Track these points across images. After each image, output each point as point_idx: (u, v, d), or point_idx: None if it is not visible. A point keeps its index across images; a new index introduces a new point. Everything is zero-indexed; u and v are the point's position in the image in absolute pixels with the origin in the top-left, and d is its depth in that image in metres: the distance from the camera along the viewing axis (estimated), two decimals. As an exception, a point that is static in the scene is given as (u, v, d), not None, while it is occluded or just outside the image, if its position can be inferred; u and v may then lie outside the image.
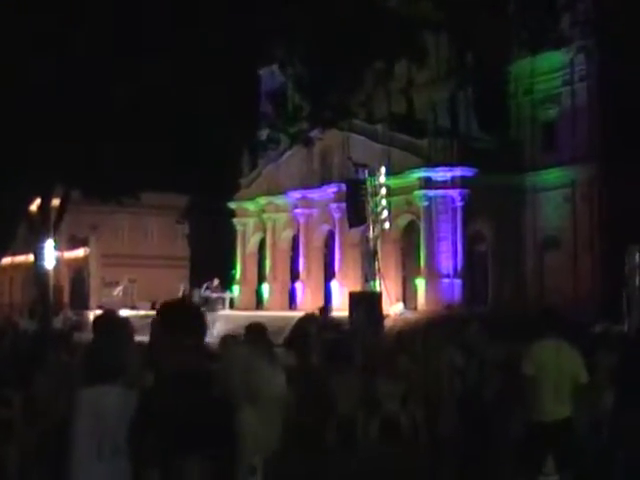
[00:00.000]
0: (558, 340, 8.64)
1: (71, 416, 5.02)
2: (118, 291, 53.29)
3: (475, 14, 24.01)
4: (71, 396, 5.07)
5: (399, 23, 22.55)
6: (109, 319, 6.79)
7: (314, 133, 29.82)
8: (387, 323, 32.15)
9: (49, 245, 33.74)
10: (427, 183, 41.45)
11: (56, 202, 33.56)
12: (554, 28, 27.56)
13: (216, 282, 45.72)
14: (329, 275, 47.51)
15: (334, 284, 45.93)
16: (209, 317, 42.02)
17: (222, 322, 40.95)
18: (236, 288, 52.36)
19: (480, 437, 10.19)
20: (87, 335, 32.27)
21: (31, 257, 34.91)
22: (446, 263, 41.15)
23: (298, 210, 48.60)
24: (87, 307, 50.63)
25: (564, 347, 8.65)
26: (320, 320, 15.79)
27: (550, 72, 42.02)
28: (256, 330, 8.18)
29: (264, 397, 6.48)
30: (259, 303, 51.70)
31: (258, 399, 5.95)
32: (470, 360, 10.62)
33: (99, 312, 7.44)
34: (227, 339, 7.90)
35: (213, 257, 53.94)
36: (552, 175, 41.97)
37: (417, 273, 42.08)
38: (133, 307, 48.66)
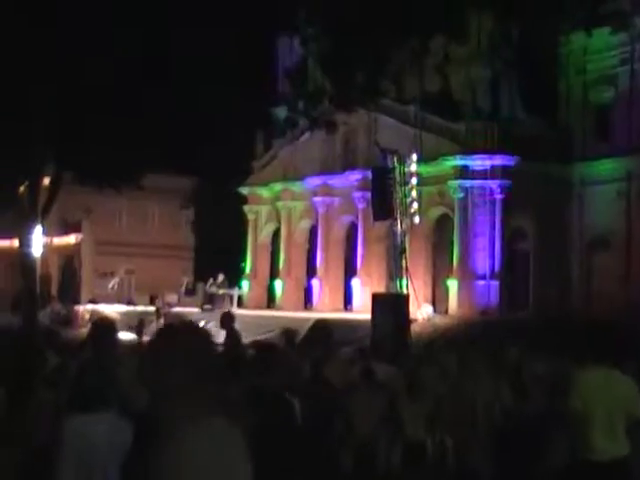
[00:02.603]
0: (609, 368, 8.52)
1: (53, 445, 5.00)
2: (113, 283, 53.44)
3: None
4: (54, 424, 5.04)
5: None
6: (106, 331, 6.72)
7: (337, 116, 29.77)
8: (414, 329, 32.06)
9: (37, 230, 33.79)
10: (463, 172, 41.34)
11: (46, 182, 33.61)
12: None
13: (221, 277, 45.74)
14: (350, 272, 47.47)
15: (355, 282, 45.91)
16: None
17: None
18: (245, 284, 52.41)
19: (517, 472, 10.14)
20: (76, 332, 32.30)
21: (16, 242, 34.96)
22: (482, 262, 41.03)
23: (317, 198, 48.57)
24: (78, 300, 50.76)
25: (615, 376, 8.53)
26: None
27: (606, 50, 41.75)
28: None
29: None
30: (271, 301, 51.72)
31: None
32: (507, 387, 10.56)
33: (97, 320, 7.25)
34: None
35: (221, 248, 53.96)
36: (605, 166, 41.75)
37: (449, 273, 42.01)
38: (130, 302, 48.76)
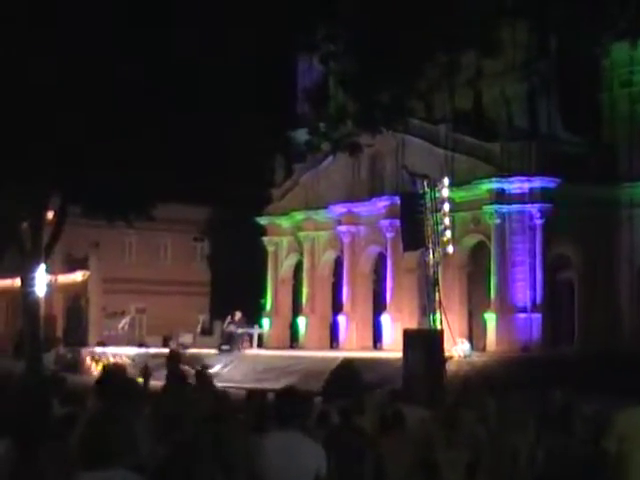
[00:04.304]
0: None
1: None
2: (123, 324, 53.54)
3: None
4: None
5: (469, 7, 22.65)
6: (117, 381, 6.75)
7: (362, 137, 29.83)
8: (449, 367, 31.98)
9: (40, 268, 33.99)
10: (499, 196, 41.32)
11: (50, 216, 33.82)
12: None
13: (238, 315, 45.72)
14: (379, 307, 47.42)
15: (385, 318, 45.84)
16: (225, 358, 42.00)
17: (242, 365, 40.84)
18: (266, 322, 52.42)
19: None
20: (83, 378, 32.39)
21: (18, 282, 35.17)
22: (522, 294, 40.92)
23: (342, 227, 48.62)
24: (85, 343, 50.91)
25: None
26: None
27: (654, 59, 41.83)
28: None
29: None
30: (294, 340, 51.68)
31: None
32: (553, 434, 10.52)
33: (105, 369, 7.28)
34: None
35: (239, 283, 54.01)
36: (654, 186, 41.79)
37: (486, 306, 41.88)
38: (141, 344, 48.83)
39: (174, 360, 15.84)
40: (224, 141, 28.26)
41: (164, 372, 35.86)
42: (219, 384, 27.49)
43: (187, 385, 14.07)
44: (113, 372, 7.28)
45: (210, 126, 27.09)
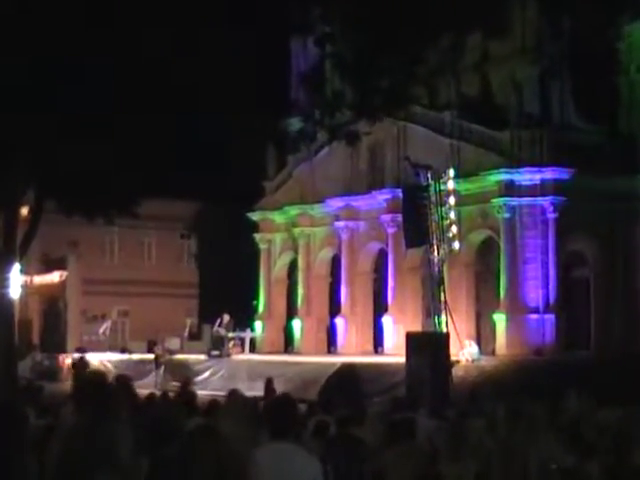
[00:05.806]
0: None
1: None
2: (105, 328, 53.42)
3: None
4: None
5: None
6: (97, 388, 6.68)
7: (360, 126, 29.79)
8: (456, 373, 31.98)
9: (14, 268, 33.87)
10: (509, 188, 41.28)
11: (24, 212, 33.71)
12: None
13: (227, 318, 45.55)
14: (380, 308, 47.39)
15: (386, 320, 45.81)
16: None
17: (232, 371, 40.73)
18: (259, 325, 52.37)
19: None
20: (63, 387, 32.24)
21: (-10, 283, 35.06)
22: (534, 293, 40.91)
23: (340, 223, 48.59)
24: (63, 349, 50.79)
25: None
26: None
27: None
28: None
29: None
30: (289, 345, 51.65)
31: None
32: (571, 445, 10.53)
33: (85, 376, 7.20)
34: None
35: (229, 283, 53.95)
36: (676, 177, 41.77)
37: (496, 307, 41.89)
38: (124, 349, 48.76)
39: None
40: (213, 131, 28.19)
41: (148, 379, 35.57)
42: (208, 392, 27.46)
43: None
44: (92, 381, 7.18)
45: (198, 115, 27.02)
